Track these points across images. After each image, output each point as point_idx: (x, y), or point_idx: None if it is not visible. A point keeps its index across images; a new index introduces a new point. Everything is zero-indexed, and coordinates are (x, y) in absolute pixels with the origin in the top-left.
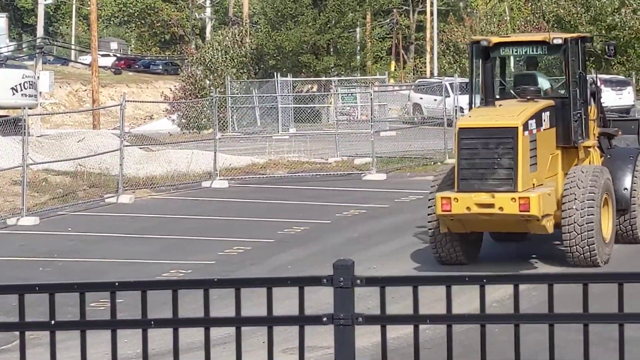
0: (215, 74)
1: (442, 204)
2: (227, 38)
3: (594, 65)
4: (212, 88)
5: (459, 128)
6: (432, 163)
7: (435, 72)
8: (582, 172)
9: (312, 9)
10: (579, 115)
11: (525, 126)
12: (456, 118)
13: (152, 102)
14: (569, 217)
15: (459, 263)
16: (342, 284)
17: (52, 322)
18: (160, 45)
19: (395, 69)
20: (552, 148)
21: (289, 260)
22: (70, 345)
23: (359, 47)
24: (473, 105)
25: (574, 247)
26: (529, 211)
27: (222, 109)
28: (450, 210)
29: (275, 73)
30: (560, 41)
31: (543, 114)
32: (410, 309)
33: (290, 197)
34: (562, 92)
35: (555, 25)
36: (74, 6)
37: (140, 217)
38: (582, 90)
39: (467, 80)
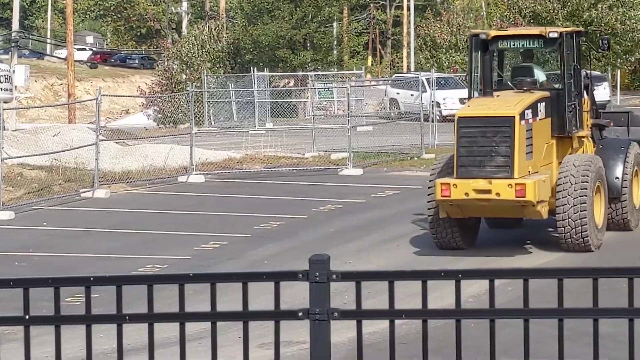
0: (192, 69)
1: (441, 189)
2: (203, 32)
3: None
4: (188, 82)
5: (458, 117)
6: (409, 158)
7: (412, 67)
8: (576, 161)
9: (288, 3)
10: (573, 106)
11: (522, 116)
12: (432, 113)
13: (128, 96)
14: (563, 203)
15: (457, 248)
16: (317, 279)
17: (27, 317)
18: (137, 39)
19: (372, 64)
20: (547, 137)
21: (265, 255)
22: (45, 340)
23: (335, 42)
24: (472, 96)
25: (568, 232)
26: (524, 197)
27: (198, 104)
28: (449, 196)
29: (251, 68)
30: (556, 35)
31: (539, 104)
32: (386, 304)
33: (267, 192)
34: (557, 84)
35: (532, 21)
36: (49, 0)
37: (116, 212)
38: (577, 83)
39: (443, 75)
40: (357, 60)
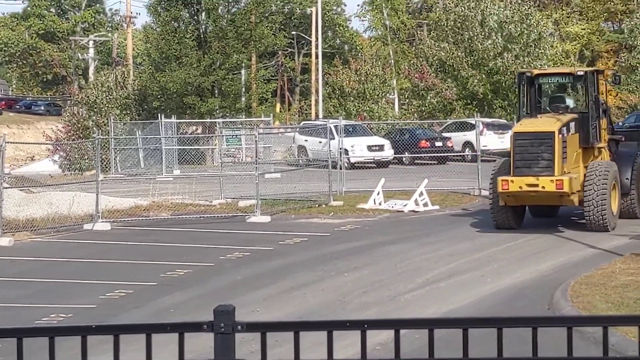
0: (99, 115)
1: (502, 184)
2: (109, 79)
3: (475, 109)
4: (95, 129)
5: (514, 132)
6: (317, 205)
7: (321, 115)
8: (599, 165)
9: (196, 50)
10: (594, 125)
11: (560, 131)
12: (341, 160)
13: (34, 143)
14: (589, 195)
15: (509, 227)
16: (222, 330)
17: None
18: (43, 85)
19: (280, 111)
20: (576, 147)
21: (172, 304)
22: None
23: (244, 89)
24: (520, 118)
25: (592, 216)
26: (562, 189)
27: (105, 150)
28: (508, 189)
29: (159, 114)
30: (582, 73)
31: (570, 123)
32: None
33: (174, 239)
34: (583, 108)
35: (439, 69)
36: None
37: (19, 260)
38: (597, 107)
39: (351, 122)
40: (265, 107)
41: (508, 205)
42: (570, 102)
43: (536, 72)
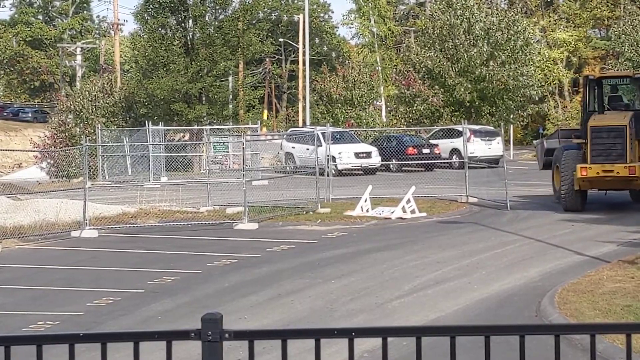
0: (86, 122)
1: (581, 170)
2: (95, 87)
3: (463, 116)
4: (82, 136)
5: (591, 126)
6: (305, 212)
7: (308, 122)
8: None
9: (184, 57)
10: None
11: (629, 124)
12: (328, 167)
13: (21, 150)
14: None
15: (576, 209)
16: (210, 338)
17: None
18: (30, 92)
19: (267, 118)
20: (635, 140)
21: (159, 311)
22: None
23: (231, 96)
24: (586, 114)
25: None
26: (635, 174)
27: (92, 157)
28: (586, 175)
29: (146, 121)
30: (639, 75)
31: (632, 119)
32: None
33: (161, 246)
34: (638, 106)
35: (426, 76)
36: None
37: (7, 268)
38: None
39: (339, 129)
40: (252, 114)
41: (582, 189)
42: (626, 100)
43: (599, 75)
